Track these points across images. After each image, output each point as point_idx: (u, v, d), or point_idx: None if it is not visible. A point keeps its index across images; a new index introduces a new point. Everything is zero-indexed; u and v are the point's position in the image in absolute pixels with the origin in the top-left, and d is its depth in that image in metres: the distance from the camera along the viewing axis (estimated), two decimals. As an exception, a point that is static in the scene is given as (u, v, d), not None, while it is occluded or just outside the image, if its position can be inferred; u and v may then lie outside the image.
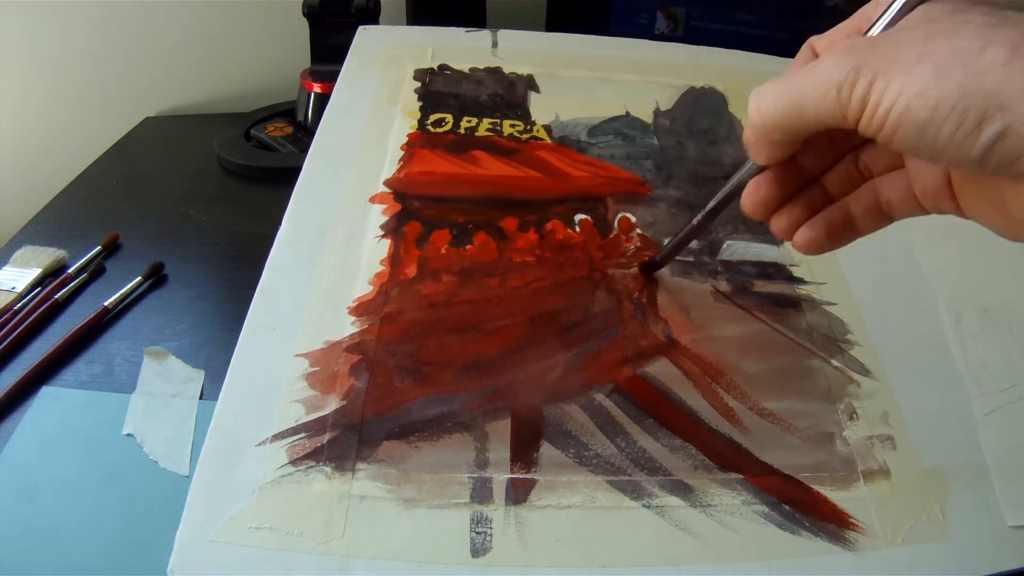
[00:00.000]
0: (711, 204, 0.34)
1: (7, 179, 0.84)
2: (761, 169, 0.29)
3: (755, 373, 0.36)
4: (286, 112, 0.76)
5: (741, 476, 0.33)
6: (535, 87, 0.52)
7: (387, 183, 0.44)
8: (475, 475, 0.32)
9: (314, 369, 0.35)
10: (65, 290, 0.49)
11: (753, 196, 0.30)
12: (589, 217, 0.43)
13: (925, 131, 0.21)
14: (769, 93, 0.25)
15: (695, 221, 0.35)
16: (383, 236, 0.41)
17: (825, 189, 0.30)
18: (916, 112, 0.21)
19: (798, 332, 0.39)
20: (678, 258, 0.41)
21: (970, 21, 0.22)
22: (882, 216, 0.29)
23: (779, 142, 0.26)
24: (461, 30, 0.56)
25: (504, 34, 0.56)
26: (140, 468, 0.38)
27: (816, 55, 0.28)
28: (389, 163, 0.45)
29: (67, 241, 0.54)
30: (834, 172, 0.30)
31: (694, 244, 0.42)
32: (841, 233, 0.29)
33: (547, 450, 0.33)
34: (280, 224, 0.41)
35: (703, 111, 0.52)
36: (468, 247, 0.41)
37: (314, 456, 0.32)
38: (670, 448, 0.33)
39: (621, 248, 0.42)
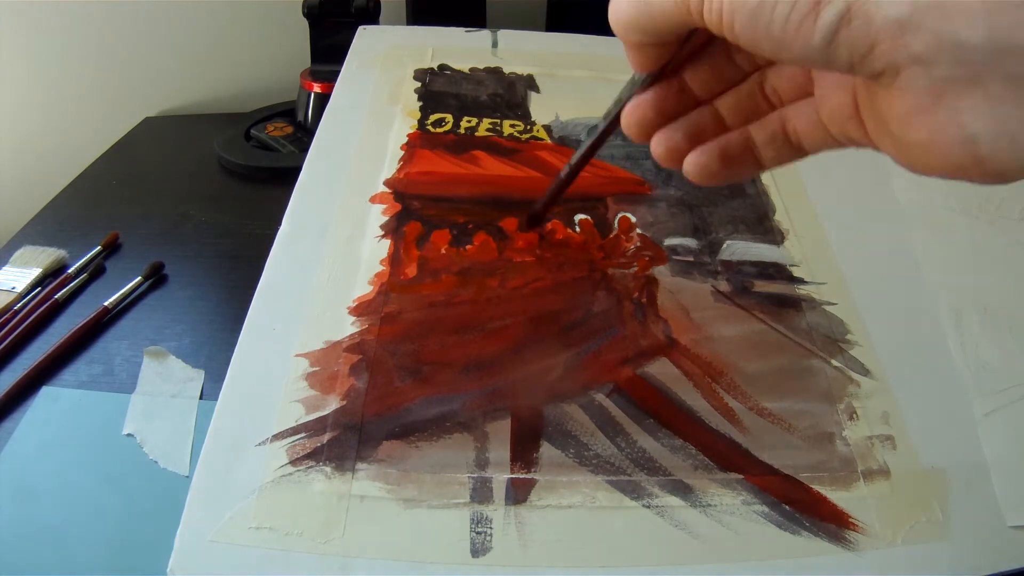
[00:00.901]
0: (600, 125, 0.31)
1: (7, 179, 0.84)
2: (644, 88, 0.27)
3: (755, 373, 0.36)
4: (286, 112, 0.76)
5: (741, 476, 0.33)
6: (535, 87, 0.52)
7: (387, 183, 0.44)
8: (475, 475, 0.32)
9: (314, 369, 0.35)
10: (65, 290, 0.49)
11: (630, 115, 0.27)
12: (589, 217, 0.43)
13: (758, 17, 0.19)
14: None
15: (580, 152, 0.33)
16: (383, 236, 0.41)
17: (718, 115, 0.27)
18: None
19: (798, 332, 0.39)
20: (678, 258, 0.42)
21: None
22: (788, 146, 0.26)
23: (640, 45, 0.24)
24: (461, 30, 0.56)
25: (504, 34, 0.56)
26: (140, 468, 0.38)
27: None
28: (389, 163, 0.45)
29: (67, 241, 0.54)
30: (733, 97, 0.27)
31: (694, 244, 0.42)
32: (739, 163, 0.27)
33: (547, 450, 0.33)
34: (280, 224, 0.41)
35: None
36: (468, 247, 0.41)
37: (314, 456, 0.32)
38: (670, 448, 0.33)
39: (621, 248, 0.42)
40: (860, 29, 0.18)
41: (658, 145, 0.27)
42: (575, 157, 0.34)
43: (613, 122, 0.29)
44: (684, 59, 0.27)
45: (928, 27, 0.18)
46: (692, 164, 0.27)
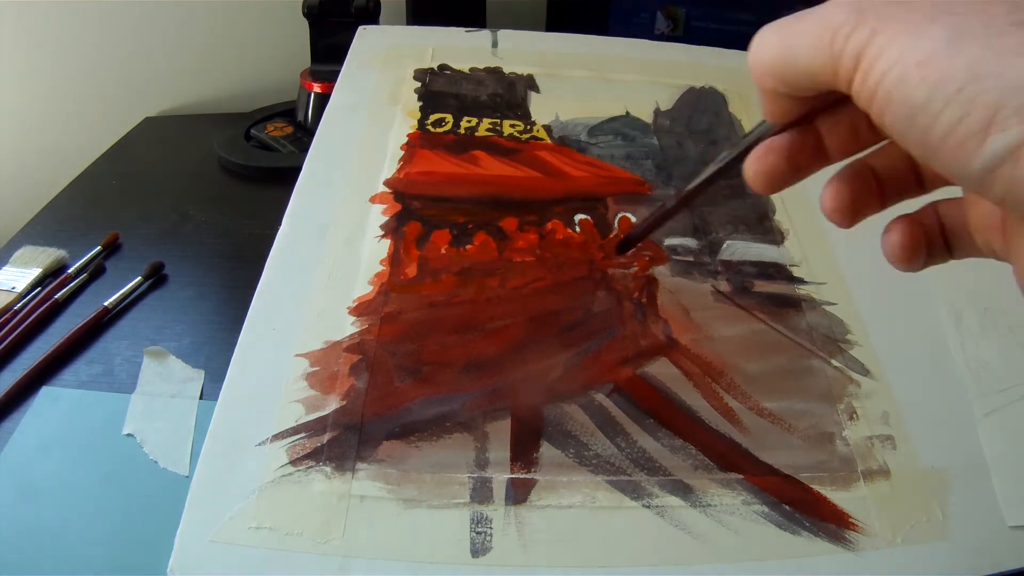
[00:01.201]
0: (714, 166, 0.28)
1: (7, 179, 0.84)
2: (773, 133, 0.24)
3: (755, 373, 0.36)
4: (286, 112, 0.76)
5: (741, 476, 0.33)
6: (535, 87, 0.52)
7: (387, 183, 0.44)
8: (475, 475, 0.32)
9: (314, 369, 0.35)
10: (65, 290, 0.49)
11: (757, 163, 0.24)
12: (589, 217, 0.43)
13: (917, 117, 0.16)
14: (770, 30, 0.20)
15: (692, 186, 0.30)
16: (383, 236, 0.41)
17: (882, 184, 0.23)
18: (912, 87, 0.16)
19: (798, 332, 0.39)
20: (678, 258, 0.42)
21: None
22: (941, 246, 0.23)
23: (776, 95, 0.22)
24: (461, 30, 0.56)
25: (504, 34, 0.56)
26: (140, 468, 0.38)
27: None
28: (389, 163, 0.45)
29: (67, 241, 0.54)
30: (884, 160, 0.23)
31: (694, 244, 0.42)
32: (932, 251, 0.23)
33: (547, 450, 0.33)
34: (280, 224, 0.41)
35: (703, 111, 0.52)
36: (468, 247, 0.41)
37: (314, 456, 0.32)
38: (670, 448, 0.33)
39: (621, 248, 0.42)
40: None
41: (835, 198, 0.23)
42: (689, 187, 0.30)
43: (734, 161, 0.26)
44: (822, 109, 0.23)
45: None
46: (890, 246, 0.23)
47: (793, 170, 0.23)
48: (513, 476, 0.32)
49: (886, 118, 0.17)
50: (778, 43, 0.20)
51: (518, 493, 0.31)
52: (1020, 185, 0.15)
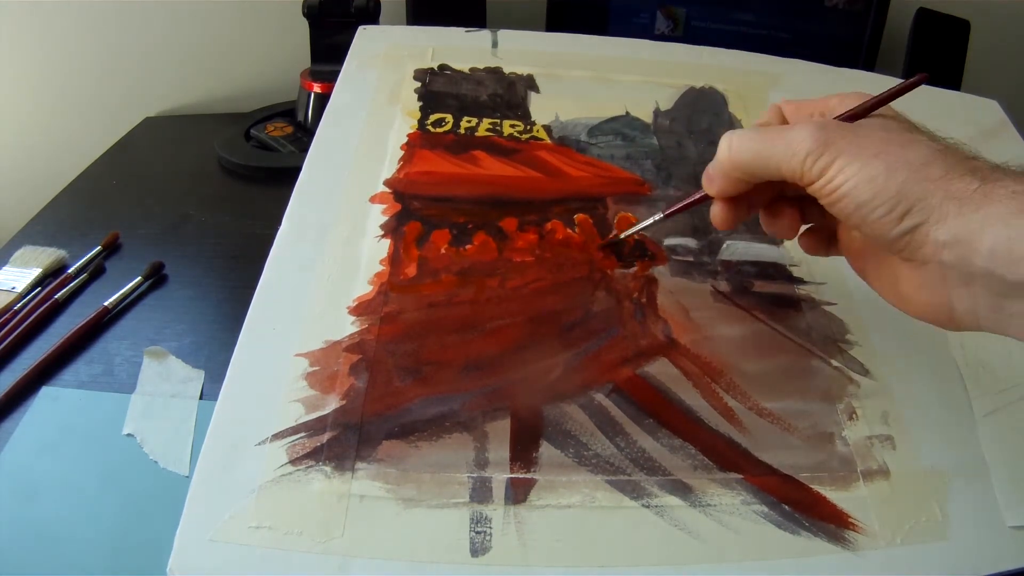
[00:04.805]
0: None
1: (7, 179, 0.84)
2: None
3: (755, 373, 0.36)
4: (286, 112, 0.76)
5: (741, 476, 0.33)
6: (535, 87, 0.52)
7: (387, 183, 0.44)
8: (475, 475, 0.32)
9: (314, 369, 0.35)
10: (65, 290, 0.49)
11: (713, 214, 0.34)
12: (589, 217, 0.43)
13: (863, 207, 0.27)
14: (744, 138, 0.30)
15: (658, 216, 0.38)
16: (383, 236, 0.41)
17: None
18: (861, 192, 0.27)
19: (798, 332, 0.39)
20: (678, 258, 0.42)
21: (919, 140, 0.27)
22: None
23: (735, 180, 0.31)
24: (461, 30, 0.56)
25: (504, 34, 0.56)
26: (140, 468, 0.38)
27: (784, 119, 0.33)
28: (389, 163, 0.45)
29: (67, 241, 0.55)
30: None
31: (694, 244, 0.42)
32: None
33: (547, 450, 0.33)
34: (280, 224, 0.41)
35: (703, 111, 0.52)
36: (468, 247, 0.41)
37: (314, 456, 0.32)
38: (670, 448, 0.33)
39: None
40: (920, 237, 0.26)
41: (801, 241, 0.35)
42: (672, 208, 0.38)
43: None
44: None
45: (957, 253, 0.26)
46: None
47: (735, 219, 0.33)
48: (513, 476, 0.32)
49: (838, 205, 0.28)
50: (755, 150, 0.29)
51: (518, 493, 0.31)
52: (915, 243, 0.27)
